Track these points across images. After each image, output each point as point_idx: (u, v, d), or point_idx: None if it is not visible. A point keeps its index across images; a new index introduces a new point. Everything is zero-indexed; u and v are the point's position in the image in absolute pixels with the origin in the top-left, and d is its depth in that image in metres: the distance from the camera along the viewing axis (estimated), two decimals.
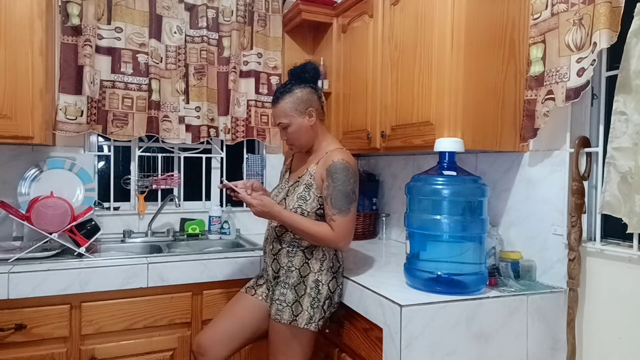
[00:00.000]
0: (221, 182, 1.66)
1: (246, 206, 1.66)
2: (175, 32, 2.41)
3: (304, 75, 1.69)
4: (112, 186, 2.41)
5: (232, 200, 1.71)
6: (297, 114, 1.65)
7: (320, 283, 1.61)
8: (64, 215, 1.89)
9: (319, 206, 1.61)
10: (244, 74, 2.56)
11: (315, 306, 1.58)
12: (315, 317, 1.58)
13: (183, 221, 2.49)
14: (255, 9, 2.57)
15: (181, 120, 2.42)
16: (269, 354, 1.65)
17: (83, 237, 1.93)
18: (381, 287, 1.49)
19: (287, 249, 1.65)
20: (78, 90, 2.19)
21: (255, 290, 1.79)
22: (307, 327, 1.57)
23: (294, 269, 1.63)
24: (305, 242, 1.63)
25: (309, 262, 1.63)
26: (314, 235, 1.57)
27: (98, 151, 2.42)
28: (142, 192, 2.44)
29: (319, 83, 2.50)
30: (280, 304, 1.60)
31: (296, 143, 1.69)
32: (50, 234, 1.86)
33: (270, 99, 2.62)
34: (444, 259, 1.45)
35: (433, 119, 1.63)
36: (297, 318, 1.57)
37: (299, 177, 1.68)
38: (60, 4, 2.16)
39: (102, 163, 2.47)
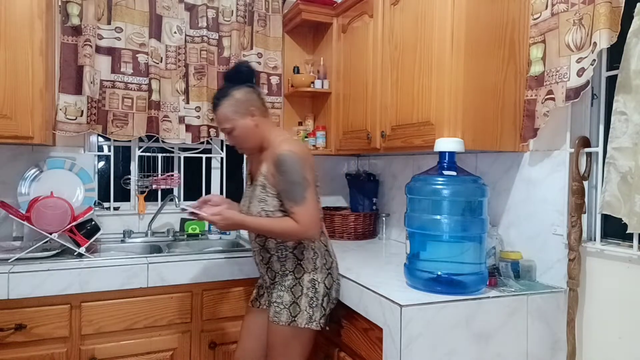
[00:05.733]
0: (182, 209, 1.67)
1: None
2: (175, 32, 2.41)
3: (238, 76, 1.67)
4: (112, 186, 2.41)
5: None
6: (239, 116, 1.61)
7: (316, 282, 1.61)
8: (64, 215, 1.89)
9: (280, 203, 1.58)
10: None
11: (314, 305, 1.58)
12: (315, 316, 1.57)
13: (183, 221, 2.49)
14: (255, 9, 2.57)
15: (181, 120, 2.42)
16: (268, 356, 1.64)
17: (83, 237, 1.93)
18: (381, 287, 1.49)
19: (277, 255, 1.63)
20: (78, 90, 2.19)
21: (259, 302, 1.78)
22: (308, 326, 1.56)
23: (288, 272, 1.63)
24: (290, 242, 1.62)
25: (302, 263, 1.62)
26: (281, 232, 1.56)
27: (98, 151, 2.42)
28: (142, 192, 2.44)
29: (319, 83, 2.51)
30: (278, 306, 1.59)
31: (244, 145, 1.66)
32: (50, 234, 1.86)
33: (270, 99, 2.63)
34: (444, 259, 1.45)
35: (433, 119, 1.63)
36: (295, 319, 1.56)
37: (255, 181, 1.66)
38: (60, 4, 2.16)
39: (102, 163, 2.47)
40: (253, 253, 1.75)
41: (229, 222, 1.58)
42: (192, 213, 1.63)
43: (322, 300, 1.60)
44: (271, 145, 1.63)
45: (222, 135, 2.51)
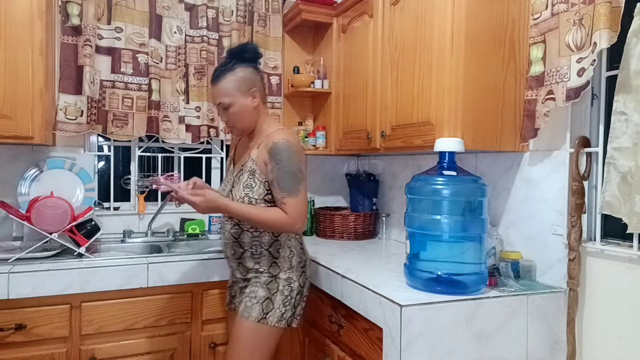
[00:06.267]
0: (153, 181, 1.55)
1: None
2: (175, 32, 2.41)
3: (245, 55, 1.58)
4: (112, 186, 2.41)
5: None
6: (240, 94, 1.54)
7: (292, 280, 1.59)
8: (64, 215, 1.89)
9: (266, 192, 1.53)
10: None
11: (287, 304, 1.56)
12: (286, 315, 1.55)
13: (183, 221, 2.49)
14: (255, 9, 2.57)
15: (181, 120, 2.42)
16: (230, 355, 1.56)
17: (83, 237, 1.93)
18: (381, 287, 1.49)
19: (250, 251, 1.58)
20: (78, 90, 2.19)
21: (233, 304, 1.72)
22: (277, 325, 1.53)
23: (262, 270, 1.58)
24: (266, 239, 1.57)
25: (277, 261, 1.58)
26: (266, 222, 1.50)
27: (98, 151, 2.42)
28: (142, 192, 2.44)
29: (319, 83, 2.51)
30: (250, 300, 1.54)
31: (237, 125, 1.58)
32: (50, 234, 1.86)
33: (270, 99, 2.63)
34: (444, 259, 1.45)
35: (433, 119, 1.63)
36: (267, 316, 1.52)
37: (242, 165, 1.59)
38: (60, 4, 2.16)
39: (102, 163, 2.47)
40: (224, 246, 1.67)
41: (211, 205, 1.48)
42: (171, 194, 1.52)
43: (295, 299, 1.59)
44: (263, 132, 1.58)
45: (222, 135, 2.51)
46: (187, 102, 2.44)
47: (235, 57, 1.58)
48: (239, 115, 1.56)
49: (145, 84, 2.35)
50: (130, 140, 2.42)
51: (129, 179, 2.45)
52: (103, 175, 2.46)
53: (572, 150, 1.51)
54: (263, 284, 1.57)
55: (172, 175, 2.48)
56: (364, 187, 2.55)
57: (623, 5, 1.31)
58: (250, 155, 1.57)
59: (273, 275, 1.58)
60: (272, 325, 1.53)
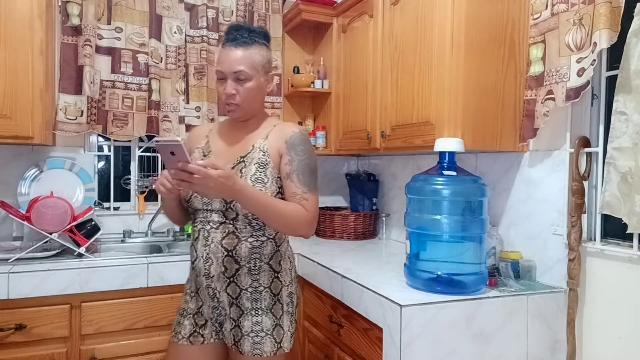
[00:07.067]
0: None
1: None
2: (175, 32, 2.41)
3: (267, 38, 1.41)
4: (112, 186, 2.41)
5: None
6: (262, 72, 1.36)
7: (293, 295, 1.41)
8: (64, 215, 1.89)
9: (278, 189, 1.32)
10: None
11: (293, 321, 1.40)
12: (294, 332, 1.40)
13: None
14: (255, 9, 2.57)
15: (181, 120, 2.42)
16: None
17: (83, 237, 1.93)
18: (381, 287, 1.49)
19: (248, 266, 1.31)
20: (78, 90, 2.19)
21: (201, 335, 1.39)
22: (290, 346, 1.37)
23: (262, 288, 1.33)
24: (268, 249, 1.34)
25: (279, 275, 1.37)
26: (287, 217, 1.27)
27: (98, 151, 2.42)
28: (142, 192, 2.44)
29: (319, 83, 2.51)
30: (257, 335, 1.31)
31: (245, 104, 1.33)
32: (50, 234, 1.86)
33: (270, 99, 2.63)
34: (443, 259, 1.45)
35: (433, 119, 1.63)
36: (281, 344, 1.34)
37: (243, 157, 1.34)
38: (60, 4, 2.16)
39: (102, 163, 2.47)
40: (205, 262, 1.32)
41: (228, 183, 1.14)
42: (179, 163, 1.10)
43: (297, 311, 1.44)
44: (265, 121, 1.41)
45: None
46: (187, 102, 2.44)
47: (257, 35, 1.37)
48: (254, 94, 1.34)
49: (145, 84, 2.35)
50: (130, 140, 2.42)
51: (129, 179, 2.45)
52: (103, 175, 2.46)
53: (572, 150, 1.51)
54: (266, 310, 1.33)
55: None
56: (364, 187, 2.55)
57: (623, 5, 1.31)
58: (255, 145, 1.35)
59: (274, 294, 1.35)
60: (287, 350, 1.36)
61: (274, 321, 1.33)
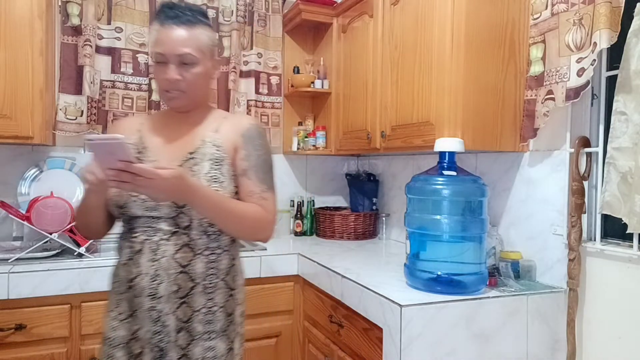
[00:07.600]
0: (88, 139, 0.95)
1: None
2: None
3: (208, 20, 1.23)
4: None
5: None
6: (209, 56, 1.19)
7: (244, 314, 1.27)
8: (64, 215, 1.89)
9: (234, 188, 1.18)
10: (244, 74, 2.56)
11: (242, 343, 1.25)
12: (242, 349, 1.25)
13: None
14: (255, 9, 2.57)
15: None
16: None
17: (83, 237, 1.93)
18: (381, 287, 1.49)
19: (203, 284, 1.14)
20: (78, 90, 2.19)
21: None
22: None
23: (216, 308, 1.16)
24: (224, 264, 1.18)
25: (234, 294, 1.21)
26: (248, 220, 1.13)
27: None
28: None
29: (319, 83, 2.51)
30: None
31: (190, 92, 1.16)
32: (50, 234, 1.86)
33: (270, 99, 2.63)
34: (444, 259, 1.45)
35: (433, 119, 1.63)
36: None
37: (191, 153, 1.17)
38: (60, 4, 2.16)
39: None
40: (152, 280, 1.10)
41: (180, 184, 0.99)
42: (120, 170, 0.94)
43: (244, 331, 1.28)
44: (211, 113, 1.26)
45: None
46: None
47: (199, 13, 1.19)
48: (200, 80, 1.17)
49: (145, 84, 2.35)
50: None
51: None
52: None
53: (572, 150, 1.51)
54: (220, 332, 1.16)
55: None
56: (364, 187, 2.56)
57: (623, 5, 1.31)
58: (205, 140, 1.18)
59: (229, 314, 1.19)
60: None
61: (228, 345, 1.17)
